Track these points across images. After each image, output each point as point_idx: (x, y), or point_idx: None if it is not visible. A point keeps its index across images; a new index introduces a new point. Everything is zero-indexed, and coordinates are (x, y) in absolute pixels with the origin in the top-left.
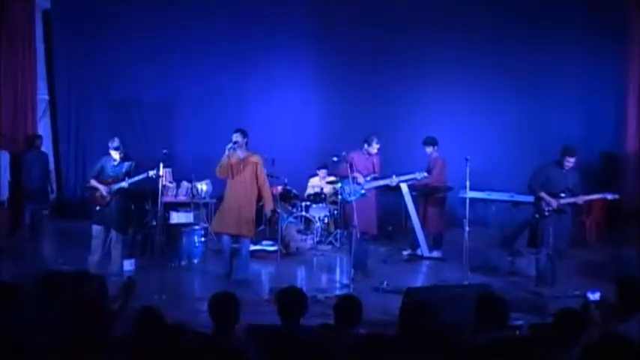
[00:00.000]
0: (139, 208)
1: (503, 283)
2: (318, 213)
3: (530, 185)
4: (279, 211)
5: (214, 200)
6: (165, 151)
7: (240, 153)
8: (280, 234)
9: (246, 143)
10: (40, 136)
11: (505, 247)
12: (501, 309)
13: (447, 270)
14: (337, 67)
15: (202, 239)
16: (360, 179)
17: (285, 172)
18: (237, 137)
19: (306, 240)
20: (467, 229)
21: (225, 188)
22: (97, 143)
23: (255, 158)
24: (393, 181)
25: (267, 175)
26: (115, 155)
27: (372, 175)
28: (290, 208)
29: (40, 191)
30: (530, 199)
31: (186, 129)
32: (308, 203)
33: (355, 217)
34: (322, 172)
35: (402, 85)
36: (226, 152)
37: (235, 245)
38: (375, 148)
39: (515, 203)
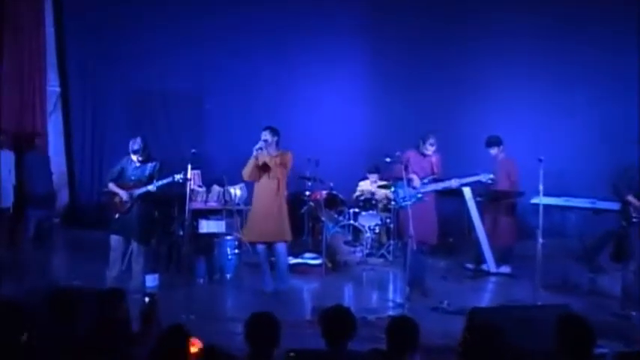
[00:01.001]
0: (163, 216)
1: (582, 304)
2: (369, 221)
3: (615, 186)
4: (323, 219)
5: (249, 207)
6: (193, 150)
7: (271, 152)
8: (325, 245)
9: (277, 142)
10: (39, 135)
11: (585, 262)
12: (586, 335)
13: (517, 288)
14: (388, 58)
15: (236, 251)
16: (417, 181)
17: (331, 175)
18: (266, 135)
19: (354, 252)
20: (540, 240)
21: (254, 192)
22: (117, 141)
23: (288, 156)
24: (454, 183)
25: (310, 179)
26: (136, 158)
27: (431, 177)
28: (336, 215)
29: (45, 197)
30: (616, 206)
31: (217, 126)
32: (357, 210)
33: (411, 226)
34: (373, 177)
35: (463, 78)
36: (254, 153)
37: (273, 259)
38: (431, 147)
39: (597, 211)
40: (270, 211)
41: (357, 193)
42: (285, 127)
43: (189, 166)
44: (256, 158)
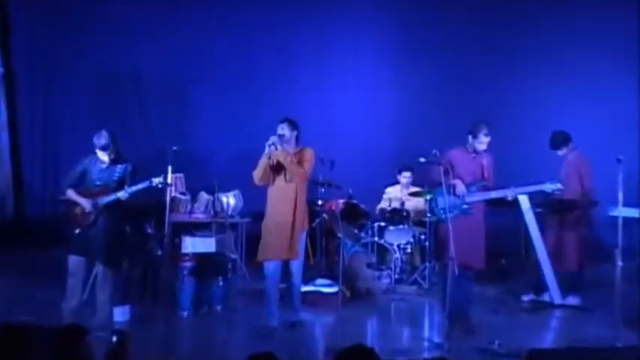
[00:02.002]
0: (137, 231)
1: None
2: (398, 239)
3: None
4: (340, 235)
5: (246, 219)
6: (175, 148)
7: (288, 149)
8: (342, 269)
9: (297, 137)
10: None
11: None
12: None
13: (589, 324)
14: (422, 37)
15: (229, 276)
16: (461, 188)
17: (350, 179)
18: (283, 129)
19: (379, 278)
20: (619, 263)
21: (267, 198)
22: (77, 136)
23: (309, 153)
24: (510, 194)
25: (324, 184)
26: (103, 157)
27: (480, 183)
28: (356, 231)
29: None
30: None
31: (205, 119)
32: (383, 224)
33: (452, 245)
34: (405, 178)
35: (516, 63)
36: (266, 150)
37: (283, 285)
38: (484, 142)
39: None
40: (285, 221)
41: (384, 204)
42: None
43: (170, 168)
44: (269, 157)
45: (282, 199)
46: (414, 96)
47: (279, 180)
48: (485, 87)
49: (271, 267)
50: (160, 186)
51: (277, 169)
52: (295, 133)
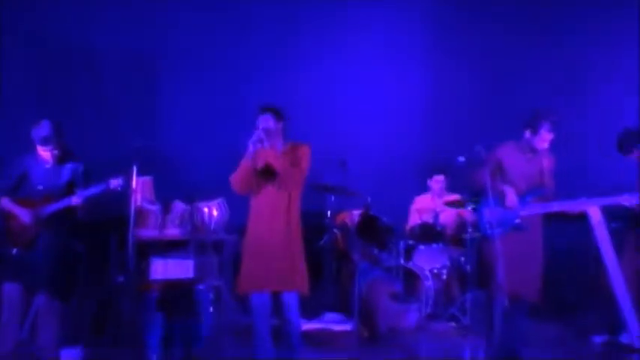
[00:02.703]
0: (91, 251)
1: None
2: (431, 262)
3: None
4: (355, 258)
5: (233, 236)
6: (139, 143)
7: (276, 146)
8: (358, 301)
9: (283, 131)
10: None
11: None
12: None
13: None
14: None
15: (210, 309)
16: (513, 198)
17: (368, 185)
18: (267, 121)
19: (406, 312)
20: None
21: (250, 212)
22: (8, 127)
23: (303, 151)
24: (578, 207)
25: (334, 191)
26: (46, 154)
27: (538, 192)
28: (376, 251)
29: None
30: None
31: (179, 107)
32: (411, 243)
33: (501, 270)
34: (438, 183)
35: (576, 46)
36: (250, 149)
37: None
38: (546, 139)
39: None
40: (275, 242)
41: (413, 217)
42: (292, 111)
43: (134, 169)
44: (253, 158)
45: (272, 212)
46: (448, 82)
47: (267, 188)
48: (538, 78)
49: (258, 300)
50: (119, 189)
51: (264, 173)
52: (281, 124)
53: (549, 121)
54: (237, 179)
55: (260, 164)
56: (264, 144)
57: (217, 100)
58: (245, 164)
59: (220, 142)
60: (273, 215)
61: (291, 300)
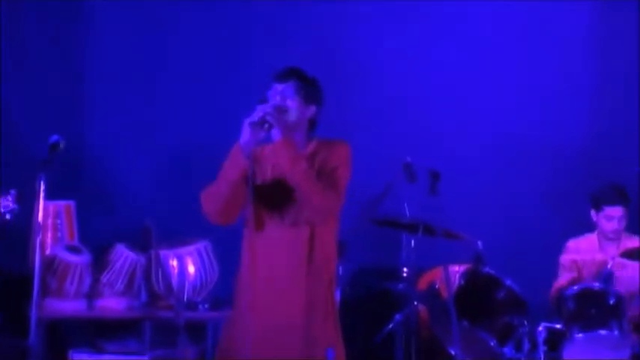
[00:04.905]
0: None
1: None
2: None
3: None
4: (454, 353)
5: (224, 311)
6: (55, 141)
7: (296, 139)
8: None
9: (315, 118)
10: None
11: None
12: None
13: None
14: None
15: None
16: None
17: (479, 219)
18: (286, 92)
19: None
20: None
21: (241, 264)
22: None
23: (343, 153)
24: None
25: (418, 228)
26: None
27: None
28: (493, 341)
29: None
30: None
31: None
32: (559, 327)
33: None
34: (612, 219)
35: None
36: (245, 137)
37: None
38: None
39: None
40: (288, 323)
41: (564, 276)
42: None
43: (41, 186)
44: (248, 156)
45: (281, 265)
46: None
47: (274, 218)
48: None
49: None
50: (7, 218)
51: (270, 189)
52: (313, 108)
53: None
54: (214, 197)
55: (263, 174)
56: (276, 132)
57: (199, 89)
58: (232, 169)
59: (204, 149)
60: (285, 270)
61: None
